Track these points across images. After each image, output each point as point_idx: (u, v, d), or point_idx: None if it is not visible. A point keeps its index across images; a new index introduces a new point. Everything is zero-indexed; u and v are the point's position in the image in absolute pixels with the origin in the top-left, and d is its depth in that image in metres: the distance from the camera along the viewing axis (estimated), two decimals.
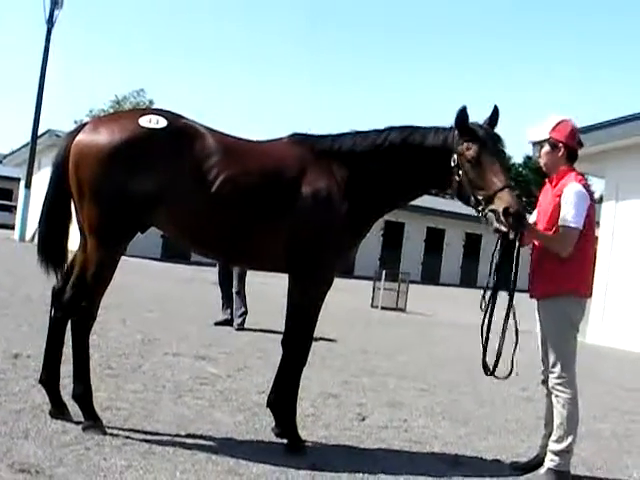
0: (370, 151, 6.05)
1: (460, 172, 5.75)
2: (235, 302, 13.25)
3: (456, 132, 5.80)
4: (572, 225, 5.90)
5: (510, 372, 6.16)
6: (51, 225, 6.14)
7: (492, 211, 5.60)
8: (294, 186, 5.90)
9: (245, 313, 13.15)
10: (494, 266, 6.07)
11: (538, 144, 6.29)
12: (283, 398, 6.20)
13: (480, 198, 5.68)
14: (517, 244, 5.93)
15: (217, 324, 13.04)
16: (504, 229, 5.61)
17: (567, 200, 5.97)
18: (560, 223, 5.96)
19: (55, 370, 6.07)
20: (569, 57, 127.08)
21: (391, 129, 6.10)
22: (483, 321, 6.08)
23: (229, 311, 13.33)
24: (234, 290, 13.35)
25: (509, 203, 5.53)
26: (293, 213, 5.87)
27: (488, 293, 6.08)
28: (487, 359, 6.12)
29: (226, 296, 13.45)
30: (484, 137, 5.77)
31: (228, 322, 13.18)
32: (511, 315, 6.02)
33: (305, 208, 5.88)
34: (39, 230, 6.27)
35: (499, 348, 6.09)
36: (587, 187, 6.06)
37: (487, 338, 6.08)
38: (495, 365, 6.11)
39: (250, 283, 13.86)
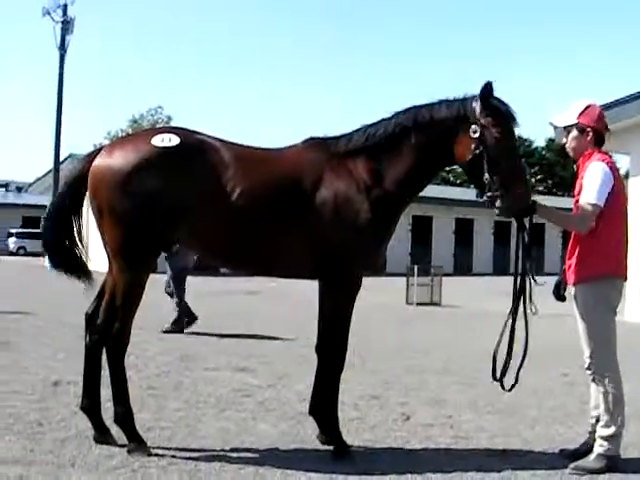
0: (384, 141, 5.99)
1: (481, 146, 5.68)
2: (175, 305, 13.49)
3: (479, 104, 5.72)
4: (591, 201, 5.83)
5: (514, 384, 6.12)
6: (56, 232, 6.19)
7: (503, 196, 5.60)
8: (312, 191, 5.86)
9: (179, 319, 13.31)
10: (519, 256, 6.03)
11: (565, 129, 6.21)
12: (324, 405, 6.16)
13: (495, 179, 5.63)
14: (528, 228, 5.95)
15: (166, 332, 13.07)
16: (509, 216, 5.65)
17: (588, 177, 5.91)
18: (580, 200, 5.91)
19: (95, 395, 6.08)
20: (586, 40, 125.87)
21: (397, 114, 6.04)
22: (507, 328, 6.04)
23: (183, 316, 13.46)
24: (168, 291, 13.68)
25: (523, 194, 5.62)
26: (314, 218, 5.83)
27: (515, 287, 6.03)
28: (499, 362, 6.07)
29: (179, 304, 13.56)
30: (508, 115, 5.76)
31: (188, 322, 13.34)
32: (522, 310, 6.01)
33: (325, 211, 5.83)
34: (43, 238, 6.39)
35: (507, 356, 6.07)
36: (611, 165, 5.98)
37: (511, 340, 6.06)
38: (502, 375, 6.07)
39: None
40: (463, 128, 5.76)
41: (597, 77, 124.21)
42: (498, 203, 5.65)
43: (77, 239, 6.20)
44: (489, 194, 5.68)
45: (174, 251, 13.22)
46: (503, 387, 6.09)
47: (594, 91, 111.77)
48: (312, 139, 6.23)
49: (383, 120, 6.09)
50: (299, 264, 6.05)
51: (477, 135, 5.69)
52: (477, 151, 5.69)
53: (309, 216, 5.84)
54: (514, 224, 6.04)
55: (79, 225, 6.18)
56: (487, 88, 5.67)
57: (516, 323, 6.02)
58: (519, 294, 6.01)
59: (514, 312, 6.01)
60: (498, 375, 6.05)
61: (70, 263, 6.25)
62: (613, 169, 5.96)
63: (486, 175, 5.67)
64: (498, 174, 5.64)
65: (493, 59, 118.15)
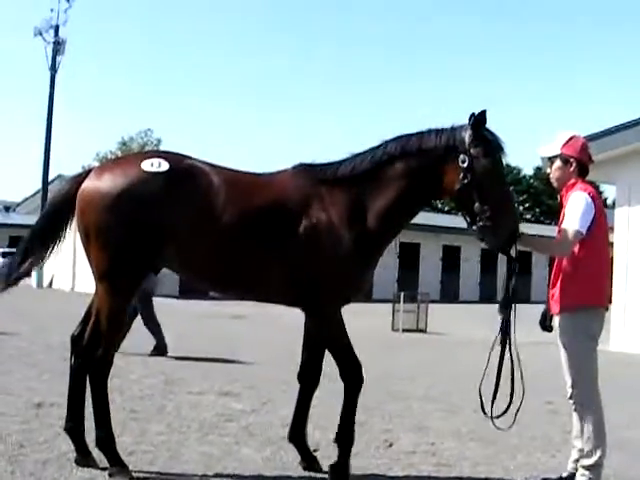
0: (371, 169, 5.94)
1: (469, 175, 5.64)
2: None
3: (468, 133, 5.70)
4: (573, 227, 5.88)
5: (512, 423, 6.11)
6: (30, 254, 6.21)
7: (492, 226, 5.60)
8: (295, 218, 5.82)
9: (159, 343, 13.32)
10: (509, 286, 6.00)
11: (549, 160, 6.28)
12: (304, 432, 6.32)
13: (484, 208, 5.62)
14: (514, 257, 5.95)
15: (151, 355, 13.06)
16: (493, 247, 5.77)
17: (570, 206, 5.96)
18: (562, 226, 5.97)
19: (79, 418, 6.06)
20: (579, 68, 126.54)
21: (386, 142, 6.00)
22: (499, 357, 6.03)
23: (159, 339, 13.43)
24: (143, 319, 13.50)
25: (514, 224, 5.68)
26: (294, 245, 5.79)
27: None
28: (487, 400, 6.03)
29: (152, 328, 13.51)
30: (497, 145, 5.76)
31: (162, 350, 13.26)
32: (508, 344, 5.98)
33: (306, 240, 5.78)
34: (14, 257, 6.35)
35: (494, 392, 6.03)
36: (593, 195, 6.04)
37: (498, 375, 6.03)
38: (491, 410, 6.01)
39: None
40: (452, 157, 5.73)
41: (589, 105, 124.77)
42: (487, 235, 5.66)
43: (43, 259, 6.29)
44: (480, 224, 5.64)
45: None
46: (494, 423, 6.03)
47: (585, 119, 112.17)
48: (301, 165, 6.18)
49: (371, 149, 6.05)
50: (280, 291, 6.01)
51: (466, 165, 5.65)
52: (465, 181, 5.65)
53: (290, 243, 5.80)
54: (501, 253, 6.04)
55: (53, 247, 6.22)
56: (481, 117, 5.65)
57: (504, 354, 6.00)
58: (506, 325, 5.96)
59: (503, 343, 5.97)
60: (487, 408, 5.99)
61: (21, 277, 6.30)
62: (595, 199, 6.01)
63: (476, 204, 5.63)
64: (487, 204, 5.62)
65: (481, 83, 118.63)
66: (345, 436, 6.02)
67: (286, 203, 5.89)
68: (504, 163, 5.89)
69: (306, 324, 6.34)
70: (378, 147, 6.03)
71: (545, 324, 6.34)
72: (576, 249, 5.94)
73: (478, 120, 5.66)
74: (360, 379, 6.01)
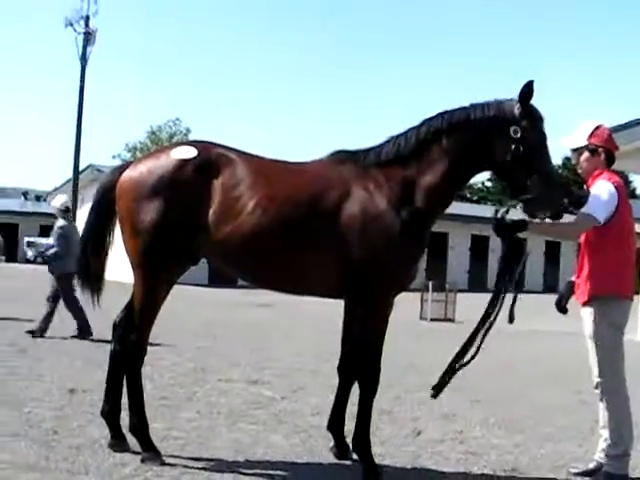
0: (418, 147, 5.87)
1: (520, 147, 5.63)
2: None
3: (518, 105, 5.68)
4: (589, 212, 5.90)
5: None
6: (89, 252, 6.34)
7: (541, 198, 5.62)
8: (339, 205, 5.73)
9: (83, 326, 13.14)
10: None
11: (576, 151, 6.26)
12: (342, 422, 6.33)
13: (534, 178, 5.61)
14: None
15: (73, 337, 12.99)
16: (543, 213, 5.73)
17: (592, 194, 5.98)
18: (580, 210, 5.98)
19: (116, 402, 6.17)
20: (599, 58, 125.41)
21: (429, 120, 5.93)
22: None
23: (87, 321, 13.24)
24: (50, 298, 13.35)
25: (562, 196, 5.69)
26: (342, 234, 5.69)
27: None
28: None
29: (74, 310, 13.30)
30: (542, 120, 5.78)
31: (85, 332, 13.09)
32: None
33: (355, 227, 5.68)
34: (78, 258, 6.49)
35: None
36: (619, 184, 6.02)
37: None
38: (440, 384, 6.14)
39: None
40: (502, 129, 5.70)
41: (612, 94, 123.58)
42: (533, 207, 5.70)
43: (105, 253, 6.38)
44: (527, 196, 5.65)
45: (52, 255, 13.33)
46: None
47: (610, 108, 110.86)
48: (339, 152, 6.11)
49: (412, 128, 5.97)
50: (323, 282, 5.91)
51: (518, 136, 5.64)
52: (517, 152, 5.64)
53: (334, 231, 5.70)
54: (530, 241, 6.03)
55: (110, 238, 6.34)
56: (529, 88, 5.63)
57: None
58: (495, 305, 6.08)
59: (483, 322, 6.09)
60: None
61: (94, 278, 6.42)
62: (620, 188, 6.00)
63: (527, 178, 5.63)
64: (536, 175, 5.62)
65: (504, 71, 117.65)
66: (361, 442, 5.95)
67: (327, 189, 5.80)
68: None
69: (346, 317, 6.25)
70: (420, 126, 5.95)
71: (561, 305, 6.36)
72: (599, 239, 5.95)
73: (526, 92, 5.66)
74: (377, 384, 5.93)
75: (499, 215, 5.92)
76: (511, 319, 5.91)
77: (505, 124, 5.71)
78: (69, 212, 14.03)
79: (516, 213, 5.97)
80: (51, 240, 13.88)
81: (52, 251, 13.42)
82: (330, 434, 6.39)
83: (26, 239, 58.10)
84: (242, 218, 5.72)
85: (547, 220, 5.89)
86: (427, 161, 5.86)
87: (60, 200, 13.95)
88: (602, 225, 5.89)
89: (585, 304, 6.07)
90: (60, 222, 13.64)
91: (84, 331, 13.11)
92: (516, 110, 5.71)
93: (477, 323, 6.06)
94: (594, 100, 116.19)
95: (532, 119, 5.70)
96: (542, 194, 5.61)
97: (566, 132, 6.37)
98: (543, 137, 5.74)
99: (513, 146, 5.66)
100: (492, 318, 6.03)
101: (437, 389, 6.11)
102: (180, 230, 5.79)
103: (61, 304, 13.35)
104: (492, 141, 5.76)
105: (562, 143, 6.44)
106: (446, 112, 5.91)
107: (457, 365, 6.08)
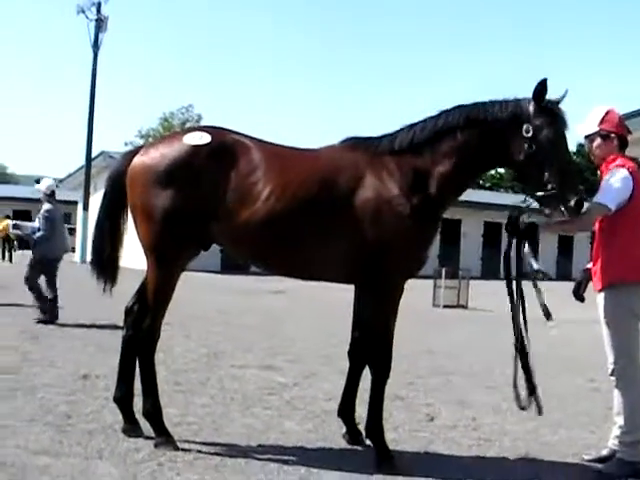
0: (433, 138, 5.87)
1: (534, 145, 5.62)
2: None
3: (532, 104, 5.68)
4: (601, 201, 5.85)
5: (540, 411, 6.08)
6: (104, 240, 6.32)
7: (556, 196, 5.55)
8: (351, 191, 5.75)
9: (52, 308, 13.22)
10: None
11: (588, 138, 6.21)
12: (354, 408, 6.33)
13: (547, 177, 5.58)
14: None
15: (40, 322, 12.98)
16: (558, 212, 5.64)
17: (606, 180, 5.93)
18: (593, 199, 5.93)
19: (129, 388, 6.19)
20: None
21: (446, 112, 5.93)
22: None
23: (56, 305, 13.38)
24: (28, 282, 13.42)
25: (577, 195, 5.56)
26: (354, 220, 5.71)
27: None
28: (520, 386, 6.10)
29: (39, 297, 13.38)
30: (562, 117, 5.72)
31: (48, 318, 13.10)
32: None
33: (367, 213, 5.71)
34: (93, 245, 6.47)
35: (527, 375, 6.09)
36: (633, 170, 5.96)
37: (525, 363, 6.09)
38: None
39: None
40: (516, 127, 5.69)
41: (627, 80, 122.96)
42: (549, 204, 5.64)
43: (120, 240, 6.35)
44: (542, 194, 5.62)
45: (38, 238, 13.39)
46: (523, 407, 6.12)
47: (623, 95, 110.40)
48: (351, 139, 6.11)
49: (429, 118, 5.97)
50: (334, 267, 5.93)
51: (530, 134, 5.62)
52: (530, 150, 5.63)
53: (346, 216, 5.72)
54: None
55: (124, 225, 6.31)
56: (542, 86, 5.61)
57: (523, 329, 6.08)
58: (517, 296, 6.06)
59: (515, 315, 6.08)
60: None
61: (109, 266, 6.40)
62: (635, 174, 5.95)
63: (544, 175, 5.59)
64: (551, 173, 5.58)
65: (521, 59, 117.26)
66: (374, 427, 5.94)
67: (340, 175, 5.81)
68: (566, 134, 5.80)
69: (356, 302, 6.29)
70: (437, 117, 5.95)
71: (578, 293, 6.34)
72: (615, 225, 5.91)
73: (539, 90, 5.63)
74: (389, 369, 5.93)
75: (513, 218, 5.87)
76: (547, 315, 5.86)
77: (518, 123, 5.70)
78: (54, 196, 14.09)
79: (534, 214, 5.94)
80: (36, 223, 13.95)
81: (39, 234, 13.50)
82: (341, 420, 6.40)
83: (10, 222, 58.33)
84: (258, 205, 5.71)
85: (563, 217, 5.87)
86: (442, 152, 5.85)
87: (45, 184, 14.03)
88: (617, 211, 5.85)
89: (601, 290, 6.04)
90: (46, 206, 13.73)
91: (46, 316, 13.10)
92: (531, 108, 5.69)
93: (511, 319, 6.11)
94: (609, 85, 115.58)
95: (545, 117, 5.65)
96: (557, 192, 5.56)
97: (580, 119, 6.31)
98: (557, 135, 5.67)
99: (526, 145, 5.65)
100: (519, 307, 6.06)
101: (533, 396, 6.07)
102: (193, 216, 5.77)
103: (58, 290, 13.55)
104: (506, 139, 5.77)
105: (577, 130, 6.38)
106: (463, 106, 5.92)
107: (528, 362, 6.06)
